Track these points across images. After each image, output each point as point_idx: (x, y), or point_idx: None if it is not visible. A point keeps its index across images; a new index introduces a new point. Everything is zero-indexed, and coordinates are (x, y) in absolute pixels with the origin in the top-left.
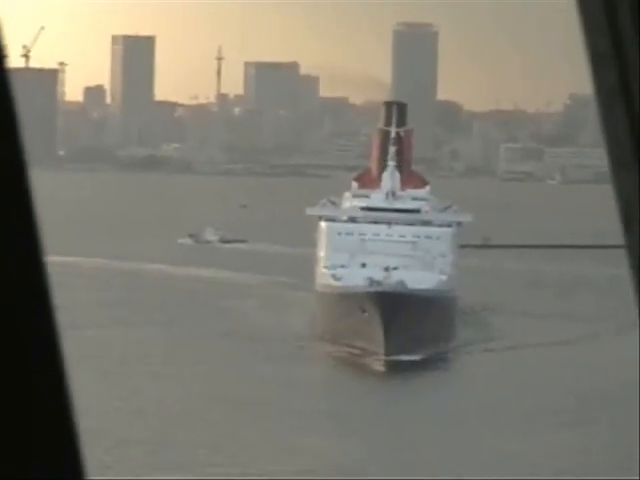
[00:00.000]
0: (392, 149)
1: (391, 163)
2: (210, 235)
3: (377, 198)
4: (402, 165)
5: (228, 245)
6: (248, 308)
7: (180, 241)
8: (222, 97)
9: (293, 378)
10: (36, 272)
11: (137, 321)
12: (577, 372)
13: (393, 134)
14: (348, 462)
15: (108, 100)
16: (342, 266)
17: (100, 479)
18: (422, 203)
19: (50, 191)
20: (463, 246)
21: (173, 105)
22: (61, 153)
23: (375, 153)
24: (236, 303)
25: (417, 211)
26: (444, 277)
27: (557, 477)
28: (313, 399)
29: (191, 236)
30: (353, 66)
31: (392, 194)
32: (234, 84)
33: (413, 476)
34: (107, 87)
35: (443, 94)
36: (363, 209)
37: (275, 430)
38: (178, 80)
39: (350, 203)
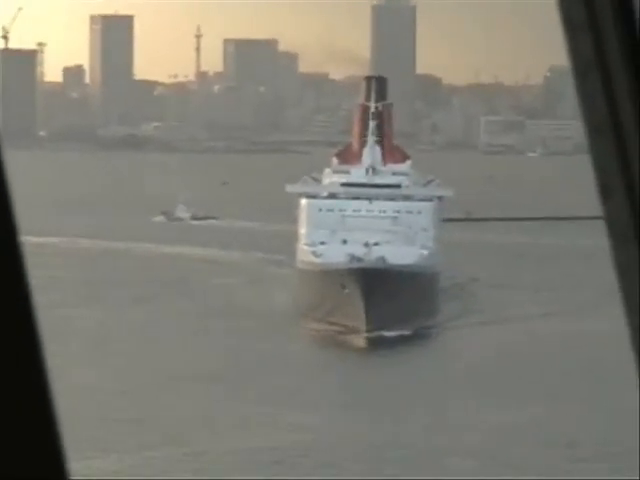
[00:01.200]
0: (372, 124)
1: (371, 138)
2: (182, 212)
3: (357, 174)
4: (383, 140)
5: (199, 222)
6: (227, 285)
7: (155, 219)
8: (202, 75)
9: (274, 355)
10: (11, 253)
11: (117, 300)
12: (555, 344)
13: (372, 109)
14: (328, 436)
15: (87, 80)
16: (322, 243)
17: (84, 479)
18: (403, 178)
19: (29, 171)
20: (445, 220)
21: (153, 84)
22: (41, 133)
23: (356, 128)
24: (210, 279)
25: (398, 186)
26: (426, 252)
27: (553, 477)
28: (294, 376)
29: (163, 213)
30: (332, 42)
31: (372, 169)
32: (214, 62)
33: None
34: (86, 67)
35: (422, 68)
36: (343, 185)
37: (255, 407)
38: (157, 59)
39: (330, 179)
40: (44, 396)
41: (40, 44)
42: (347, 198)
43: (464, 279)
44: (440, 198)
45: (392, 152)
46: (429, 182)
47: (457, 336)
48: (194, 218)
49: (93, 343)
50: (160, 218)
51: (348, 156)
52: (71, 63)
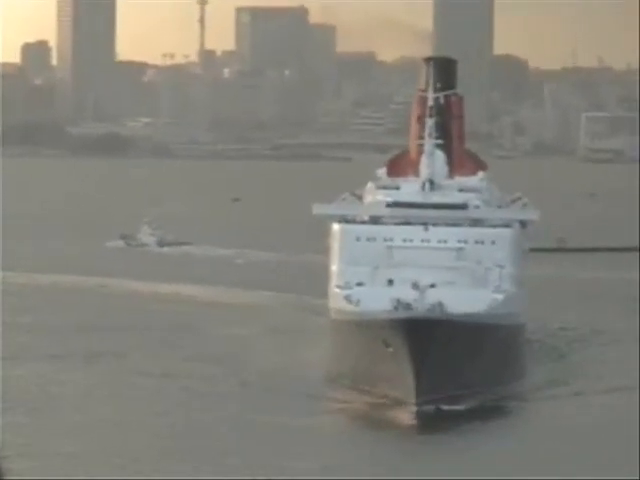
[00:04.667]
0: (430, 122)
1: (430, 141)
2: (146, 236)
3: (410, 189)
4: (450, 143)
5: (168, 249)
6: (234, 337)
7: (110, 244)
8: (207, 55)
9: (296, 435)
10: None
11: (72, 354)
12: None
13: (431, 101)
14: None
15: (54, 61)
16: (360, 284)
17: (17, 479)
18: (472, 196)
19: None
20: (532, 251)
21: (141, 66)
22: None
23: (413, 128)
24: (209, 328)
25: (464, 207)
26: (501, 296)
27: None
28: (321, 461)
29: (123, 237)
30: (381, 10)
31: (430, 184)
32: (223, 37)
33: None
34: (53, 44)
35: (502, 47)
36: (390, 205)
37: None
38: (147, 33)
39: (373, 197)
40: None
41: None
42: (395, 223)
43: (560, 330)
44: (523, 223)
45: (462, 160)
46: (514, 201)
47: (550, 411)
48: (162, 243)
49: (34, 413)
50: (117, 243)
51: (402, 165)
52: (33, 38)
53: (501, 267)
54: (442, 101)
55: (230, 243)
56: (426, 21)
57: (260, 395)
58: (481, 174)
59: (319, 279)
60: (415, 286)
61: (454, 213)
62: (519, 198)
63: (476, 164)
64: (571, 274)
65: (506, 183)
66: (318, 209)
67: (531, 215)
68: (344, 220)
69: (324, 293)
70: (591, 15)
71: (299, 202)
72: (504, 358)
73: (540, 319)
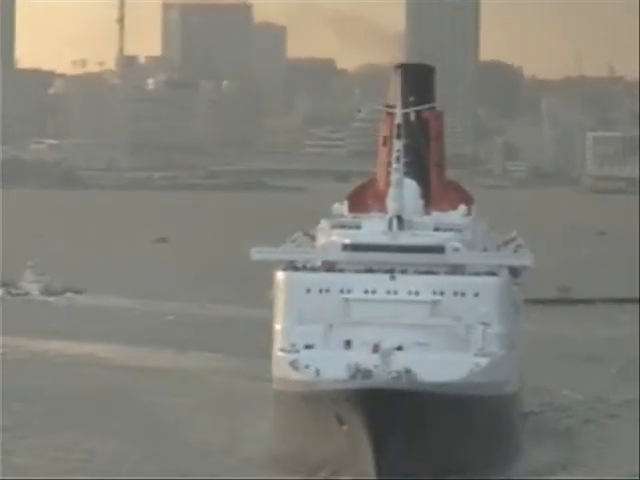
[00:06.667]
0: (398, 144)
1: (398, 167)
2: (28, 283)
3: (373, 228)
4: (426, 170)
5: (54, 298)
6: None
7: None
8: (127, 61)
9: None
10: None
11: None
12: None
13: (399, 118)
14: None
15: None
16: (309, 346)
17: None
18: (451, 236)
19: None
20: (528, 302)
21: (47, 76)
22: None
23: (382, 152)
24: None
25: (440, 249)
26: (485, 361)
27: None
28: None
29: (4, 285)
30: (342, 8)
31: (398, 221)
32: (147, 40)
33: None
34: None
35: (490, 51)
36: (347, 248)
37: None
38: (54, 36)
39: (328, 238)
40: None
41: None
42: (355, 271)
43: (563, 400)
44: (514, 269)
45: (440, 191)
46: (506, 243)
47: None
48: (46, 292)
49: None
50: None
51: (367, 198)
52: None
53: (486, 325)
54: (414, 118)
55: (134, 292)
56: (397, 20)
57: None
58: (463, 208)
59: (251, 337)
60: (377, 349)
61: (428, 258)
62: (513, 239)
63: (458, 196)
64: (576, 331)
65: (496, 219)
66: (258, 254)
67: (524, 260)
68: (291, 267)
69: (259, 354)
70: (600, 15)
71: (239, 243)
72: (490, 437)
73: (538, 387)
